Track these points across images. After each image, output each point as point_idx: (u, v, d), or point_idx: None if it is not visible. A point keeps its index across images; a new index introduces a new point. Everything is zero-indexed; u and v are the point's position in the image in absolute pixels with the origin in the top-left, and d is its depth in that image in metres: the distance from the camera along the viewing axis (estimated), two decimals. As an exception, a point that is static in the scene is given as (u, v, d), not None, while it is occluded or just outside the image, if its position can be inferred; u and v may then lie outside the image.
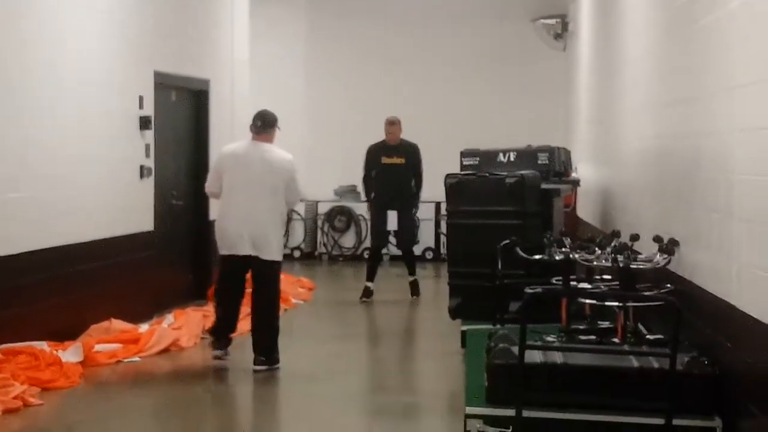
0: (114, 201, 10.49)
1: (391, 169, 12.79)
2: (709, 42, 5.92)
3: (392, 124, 12.90)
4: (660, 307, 6.06)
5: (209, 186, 9.21)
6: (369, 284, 12.88)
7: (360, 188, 14.34)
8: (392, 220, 13.00)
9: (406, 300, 12.84)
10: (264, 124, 8.97)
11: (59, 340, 8.95)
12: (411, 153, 12.87)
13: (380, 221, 13.03)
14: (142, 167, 11.12)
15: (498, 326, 7.42)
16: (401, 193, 12.85)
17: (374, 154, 12.92)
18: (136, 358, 9.25)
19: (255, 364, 8.76)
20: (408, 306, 12.67)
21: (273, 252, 8.83)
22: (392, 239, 13.55)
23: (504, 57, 17.87)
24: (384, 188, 12.83)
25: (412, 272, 13.07)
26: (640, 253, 6.81)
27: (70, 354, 8.74)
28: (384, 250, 13.82)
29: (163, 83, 11.69)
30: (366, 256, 14.86)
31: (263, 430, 7.52)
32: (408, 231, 13.16)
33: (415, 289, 13.02)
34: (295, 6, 18.45)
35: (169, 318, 10.58)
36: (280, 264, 9.02)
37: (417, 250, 17.11)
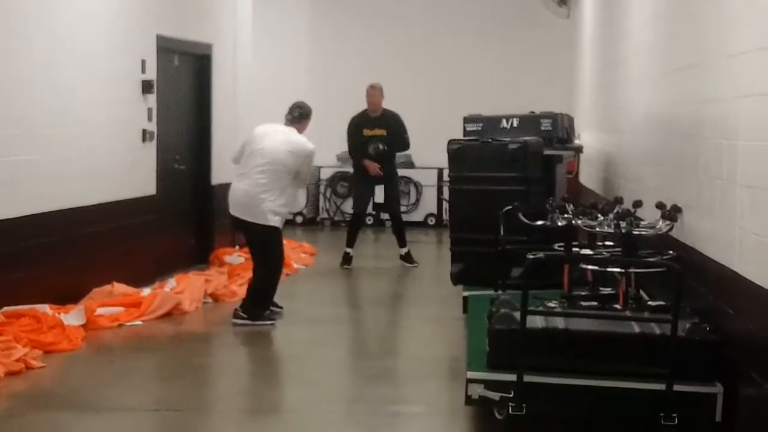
0: (116, 165, 10.48)
1: (373, 141, 12.66)
2: (712, 8, 5.89)
3: (373, 88, 12.71)
4: (662, 274, 6.05)
5: (233, 159, 9.58)
6: (348, 250, 12.78)
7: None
8: (378, 193, 13.02)
9: (407, 266, 12.83)
10: (301, 115, 9.50)
11: (61, 303, 8.98)
12: (393, 123, 12.71)
13: (365, 191, 13.00)
14: (144, 131, 11.10)
15: (500, 292, 7.41)
16: (383, 165, 12.68)
17: (356, 127, 12.74)
18: (138, 322, 9.27)
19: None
20: (409, 271, 12.67)
21: (260, 217, 9.14)
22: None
23: (508, 23, 17.80)
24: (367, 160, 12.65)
25: (402, 244, 12.91)
26: (642, 220, 6.79)
27: (72, 317, 8.78)
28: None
29: (166, 47, 11.66)
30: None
31: (262, 391, 7.53)
32: (394, 200, 13.06)
33: (408, 259, 12.88)
34: (299, -31, 18.36)
35: (172, 282, 10.60)
36: (270, 229, 9.21)
37: (419, 216, 17.28)
